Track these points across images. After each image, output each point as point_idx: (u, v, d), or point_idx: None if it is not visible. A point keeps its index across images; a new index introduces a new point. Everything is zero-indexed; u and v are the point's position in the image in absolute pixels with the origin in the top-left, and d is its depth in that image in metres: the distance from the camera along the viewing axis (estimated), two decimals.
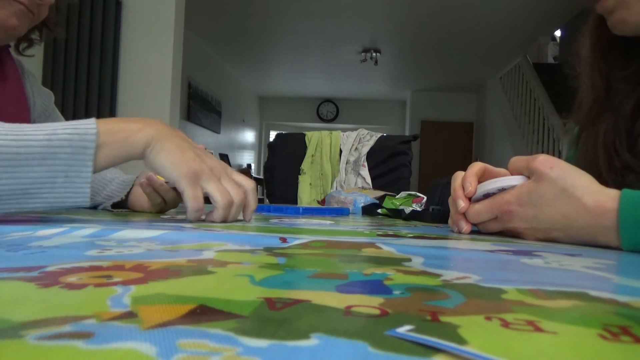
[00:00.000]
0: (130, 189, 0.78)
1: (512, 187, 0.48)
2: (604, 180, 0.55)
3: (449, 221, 0.57)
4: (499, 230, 0.50)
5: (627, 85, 0.58)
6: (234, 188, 0.54)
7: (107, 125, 0.48)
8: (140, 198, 0.76)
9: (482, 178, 0.53)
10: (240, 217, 0.57)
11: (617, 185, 0.50)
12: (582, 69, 0.64)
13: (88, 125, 0.46)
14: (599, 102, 0.61)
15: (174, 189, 0.70)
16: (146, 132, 0.50)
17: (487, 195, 0.51)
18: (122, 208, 0.79)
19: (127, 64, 3.08)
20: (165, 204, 0.72)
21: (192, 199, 0.51)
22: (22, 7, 0.68)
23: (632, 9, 0.53)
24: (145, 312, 0.14)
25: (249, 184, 0.56)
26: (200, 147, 0.57)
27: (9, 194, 0.43)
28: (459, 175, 0.55)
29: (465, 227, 0.52)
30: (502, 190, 0.49)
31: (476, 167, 0.54)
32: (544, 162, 0.45)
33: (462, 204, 0.52)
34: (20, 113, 0.79)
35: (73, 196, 0.45)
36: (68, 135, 0.44)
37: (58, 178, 0.44)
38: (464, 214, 0.52)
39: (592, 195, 0.42)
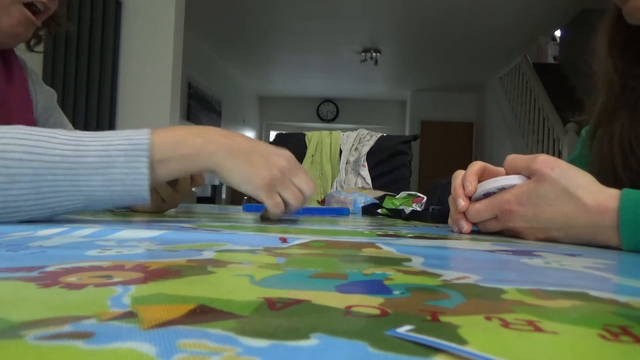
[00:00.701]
0: None
1: (512, 186, 0.48)
2: (619, 178, 0.55)
3: (449, 221, 0.57)
4: (499, 229, 0.50)
5: None
6: (305, 183, 0.57)
7: (168, 137, 0.50)
8: None
9: (482, 177, 0.53)
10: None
11: (632, 183, 0.49)
12: (597, 66, 0.64)
13: (141, 135, 0.48)
14: (615, 100, 0.60)
15: (169, 183, 0.70)
16: (209, 149, 0.52)
17: (487, 195, 0.51)
18: (122, 208, 0.79)
19: (127, 64, 3.08)
20: (164, 202, 0.72)
21: (274, 208, 0.55)
22: (28, 14, 0.69)
23: None
24: (145, 312, 0.14)
25: (310, 185, 0.59)
26: (257, 141, 0.59)
27: (73, 199, 0.45)
28: (459, 174, 0.55)
29: (466, 226, 0.52)
30: (502, 189, 0.49)
31: (476, 166, 0.54)
32: (545, 162, 0.45)
33: (462, 203, 0.52)
34: (26, 112, 0.79)
35: (133, 199, 0.48)
36: (121, 145, 0.47)
37: (116, 187, 0.46)
38: (464, 213, 0.52)
39: (592, 195, 0.42)
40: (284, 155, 0.57)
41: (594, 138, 0.63)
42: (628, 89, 0.59)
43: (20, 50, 0.82)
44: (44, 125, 0.84)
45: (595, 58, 0.64)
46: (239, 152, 0.54)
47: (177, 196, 0.73)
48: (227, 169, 0.53)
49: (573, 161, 0.68)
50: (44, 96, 0.86)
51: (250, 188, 0.54)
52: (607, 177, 0.52)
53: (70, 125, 0.90)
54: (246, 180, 0.54)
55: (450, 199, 0.56)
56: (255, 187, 0.54)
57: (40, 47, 0.84)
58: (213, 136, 0.53)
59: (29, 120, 0.79)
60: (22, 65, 0.83)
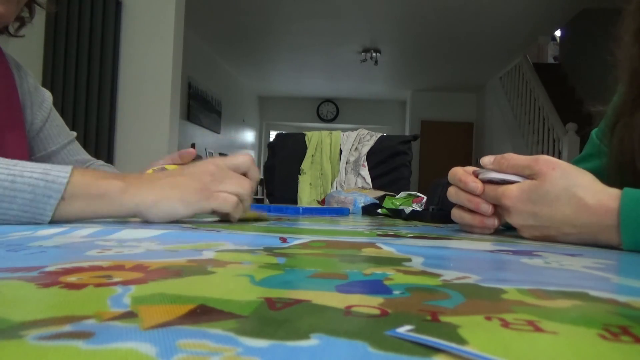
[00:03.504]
0: None
1: (515, 182, 0.48)
2: (638, 171, 0.53)
3: (453, 214, 0.55)
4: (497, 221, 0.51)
5: None
6: (235, 182, 0.51)
7: (86, 179, 0.45)
8: None
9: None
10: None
11: None
12: (621, 54, 0.60)
13: (60, 173, 0.43)
14: (638, 90, 0.56)
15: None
16: (128, 191, 0.47)
17: (489, 182, 0.50)
18: None
19: (127, 64, 3.07)
20: None
21: (226, 205, 0.49)
22: None
23: None
24: (145, 312, 0.14)
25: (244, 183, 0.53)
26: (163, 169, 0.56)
27: None
28: (457, 169, 0.54)
29: (489, 207, 0.50)
30: (504, 182, 0.49)
31: (467, 168, 0.54)
32: (547, 163, 0.45)
33: (477, 185, 0.50)
34: (11, 114, 0.77)
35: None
36: (34, 180, 0.42)
37: (10, 221, 0.42)
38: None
39: (594, 195, 0.42)
40: (211, 161, 0.51)
41: (614, 130, 0.60)
42: None
43: (18, 49, 0.80)
44: (41, 127, 0.82)
45: (620, 45, 0.59)
46: (158, 182, 0.49)
47: None
48: (154, 202, 0.47)
49: (577, 162, 0.67)
50: (40, 98, 0.83)
51: (190, 207, 0.48)
52: (626, 172, 0.50)
53: (66, 127, 0.88)
54: (179, 202, 0.47)
55: (451, 192, 0.54)
56: (193, 202, 0.48)
57: (23, 31, 0.78)
58: (136, 180, 0.48)
59: (16, 121, 0.77)
60: (10, 64, 0.80)
